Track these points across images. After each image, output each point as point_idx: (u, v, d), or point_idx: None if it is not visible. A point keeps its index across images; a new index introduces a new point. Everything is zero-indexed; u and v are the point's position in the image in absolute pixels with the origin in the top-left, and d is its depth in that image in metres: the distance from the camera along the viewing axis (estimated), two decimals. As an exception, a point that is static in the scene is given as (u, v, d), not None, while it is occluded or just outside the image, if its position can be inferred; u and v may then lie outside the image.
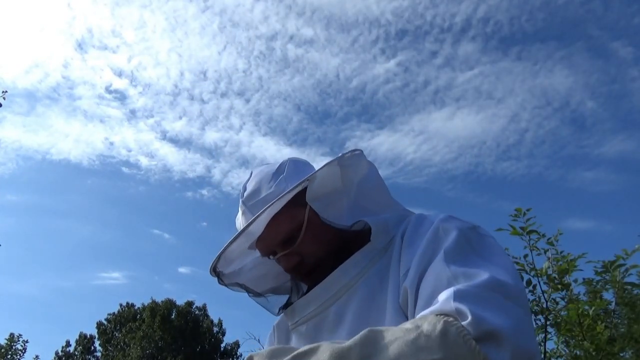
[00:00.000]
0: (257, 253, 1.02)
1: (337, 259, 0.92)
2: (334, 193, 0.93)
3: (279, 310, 1.03)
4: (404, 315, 0.78)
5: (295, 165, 0.98)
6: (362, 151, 0.96)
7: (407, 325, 0.62)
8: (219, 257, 0.95)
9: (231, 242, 0.92)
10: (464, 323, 0.59)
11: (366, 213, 0.93)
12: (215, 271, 0.99)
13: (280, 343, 1.02)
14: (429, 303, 0.69)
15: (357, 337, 0.61)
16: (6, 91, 6.36)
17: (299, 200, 0.90)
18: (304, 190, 0.89)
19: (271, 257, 0.97)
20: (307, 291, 0.96)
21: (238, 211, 0.98)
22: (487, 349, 0.58)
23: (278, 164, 0.98)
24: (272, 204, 0.87)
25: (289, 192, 0.88)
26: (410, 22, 32.77)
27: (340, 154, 0.92)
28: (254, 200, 0.94)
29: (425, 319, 0.61)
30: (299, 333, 0.94)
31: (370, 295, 0.86)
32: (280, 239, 0.93)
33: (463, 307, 0.61)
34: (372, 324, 0.80)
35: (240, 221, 0.97)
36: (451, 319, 0.60)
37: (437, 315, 0.62)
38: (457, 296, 0.63)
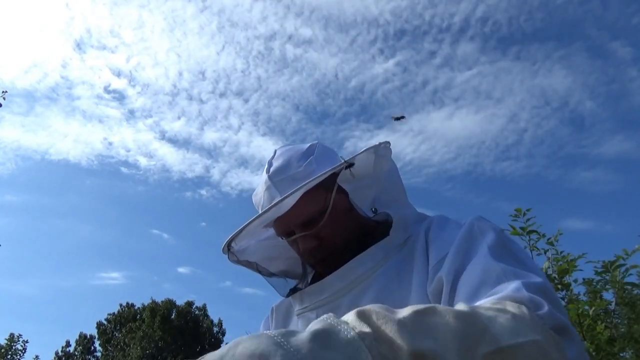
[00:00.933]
0: (268, 232, 1.01)
1: (353, 248, 0.91)
2: (365, 179, 0.94)
3: (288, 293, 1.01)
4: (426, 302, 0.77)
5: (325, 149, 0.98)
6: (389, 142, 0.97)
7: (489, 304, 0.59)
8: (240, 231, 0.93)
9: (259, 217, 0.89)
10: (540, 313, 0.59)
11: (387, 207, 0.94)
12: (229, 247, 0.98)
13: (278, 327, 1.01)
14: (477, 294, 0.67)
15: (457, 309, 0.55)
16: (6, 91, 6.35)
17: (326, 183, 0.89)
18: (332, 175, 0.89)
19: (284, 237, 0.96)
20: (317, 278, 0.96)
21: (260, 187, 0.96)
22: (564, 342, 0.58)
23: (308, 145, 0.97)
24: (308, 182, 0.86)
25: (327, 172, 0.87)
26: (409, 22, 32.91)
27: (377, 143, 0.93)
28: (282, 177, 0.92)
29: (505, 304, 0.58)
30: (307, 319, 0.92)
31: (388, 286, 0.85)
32: (302, 220, 0.91)
33: (537, 298, 0.61)
34: None
35: (261, 196, 0.94)
36: (526, 307, 0.59)
37: (513, 302, 0.59)
38: (528, 287, 0.63)
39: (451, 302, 0.72)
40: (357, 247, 0.91)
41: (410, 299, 0.81)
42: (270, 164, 0.96)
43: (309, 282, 1.02)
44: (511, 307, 0.58)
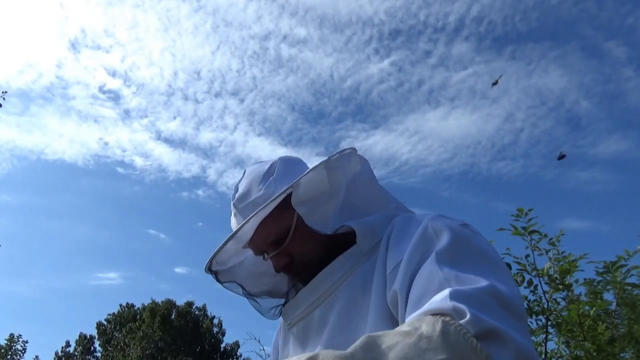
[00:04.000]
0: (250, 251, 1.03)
1: (328, 258, 0.91)
2: (320, 196, 0.92)
3: (277, 311, 1.03)
4: (390, 318, 0.76)
5: (285, 166, 0.97)
6: (353, 149, 0.95)
7: (405, 327, 0.59)
8: (211, 260, 0.97)
9: (222, 246, 0.93)
10: (462, 321, 0.57)
11: (355, 212, 0.93)
12: (210, 270, 1.00)
13: (282, 343, 1.03)
14: (419, 305, 0.66)
15: (357, 343, 0.59)
16: (6, 92, 6.36)
17: (288, 202, 0.89)
18: (288, 196, 0.90)
19: (264, 256, 0.98)
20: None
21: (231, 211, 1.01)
22: (489, 348, 0.55)
23: (269, 164, 0.98)
24: (258, 210, 0.88)
25: (273, 200, 0.88)
26: (404, 22, 32.87)
27: (327, 157, 0.92)
28: (244, 203, 0.95)
29: (423, 320, 0.59)
30: (293, 335, 0.95)
31: (352, 298, 0.85)
32: (269, 241, 0.94)
33: (461, 306, 0.59)
34: (354, 327, 0.81)
35: (233, 222, 0.99)
36: (448, 318, 0.58)
37: (433, 315, 0.59)
38: (454, 296, 0.61)
39: (404, 316, 0.70)
40: (332, 256, 0.91)
41: (369, 312, 0.80)
42: (236, 189, 0.99)
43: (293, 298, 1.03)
44: (426, 325, 0.58)
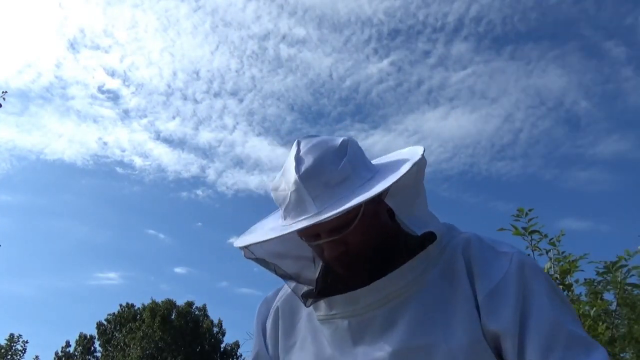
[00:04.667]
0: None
1: (379, 256, 0.90)
2: (408, 192, 0.90)
3: (308, 299, 0.95)
4: (480, 341, 0.81)
5: (357, 149, 0.91)
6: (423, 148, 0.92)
7: None
8: (268, 239, 0.86)
9: (303, 228, 0.81)
10: None
11: (414, 217, 0.91)
12: (247, 247, 0.92)
13: (286, 328, 0.99)
14: (549, 356, 0.78)
15: None
16: (6, 92, 6.36)
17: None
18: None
19: (307, 240, 0.90)
20: (336, 282, 0.93)
21: (285, 183, 0.86)
22: None
23: (337, 141, 0.89)
24: (354, 204, 0.78)
25: (375, 193, 0.80)
26: (403, 22, 32.85)
27: (421, 154, 0.88)
28: (314, 181, 0.82)
29: None
30: (335, 327, 0.89)
31: (427, 306, 0.85)
32: (331, 226, 0.84)
33: None
34: (430, 335, 0.82)
35: (286, 195, 0.85)
36: None
37: None
38: None
39: (521, 356, 0.79)
40: (383, 255, 0.90)
41: (454, 329, 0.82)
42: (299, 161, 0.85)
43: (327, 285, 0.96)
44: None
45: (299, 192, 0.83)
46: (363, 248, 0.88)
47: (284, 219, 0.86)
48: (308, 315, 0.97)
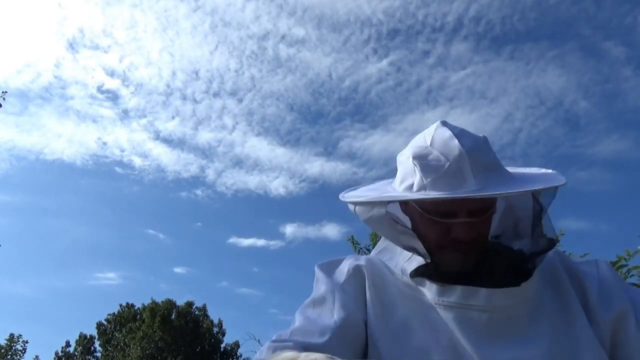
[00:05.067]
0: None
1: (485, 254, 0.95)
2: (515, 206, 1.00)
3: (434, 280, 0.92)
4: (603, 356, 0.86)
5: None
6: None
7: None
8: (434, 199, 0.86)
9: (459, 196, 0.83)
10: None
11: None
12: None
13: (373, 297, 0.96)
14: None
15: None
16: (6, 92, 6.36)
17: None
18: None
19: (439, 216, 0.89)
20: (457, 274, 0.92)
21: (445, 151, 0.86)
22: None
23: (479, 134, 0.92)
24: (525, 190, 0.87)
25: (536, 188, 0.88)
26: (402, 22, 32.79)
27: (560, 182, 0.92)
28: (477, 159, 0.85)
29: None
30: (469, 317, 0.87)
31: (559, 317, 0.90)
32: (474, 207, 0.87)
33: None
34: (568, 348, 0.86)
35: (444, 162, 0.85)
36: None
37: None
38: None
39: None
40: (485, 255, 0.95)
41: (585, 343, 0.86)
42: (459, 137, 0.87)
43: (440, 272, 0.93)
44: None
45: (461, 165, 0.84)
46: (482, 240, 0.93)
47: (431, 188, 0.86)
48: (401, 292, 0.96)
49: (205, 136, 36.50)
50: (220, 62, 36.21)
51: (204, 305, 28.82)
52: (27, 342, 21.66)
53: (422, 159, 0.88)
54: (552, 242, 0.92)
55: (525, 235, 0.96)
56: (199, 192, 38.06)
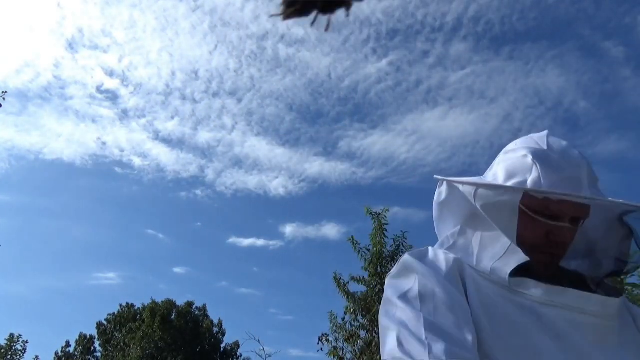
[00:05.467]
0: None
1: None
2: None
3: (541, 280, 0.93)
4: None
5: None
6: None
7: None
8: (551, 193, 0.90)
9: (573, 195, 0.89)
10: None
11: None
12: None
13: (479, 292, 0.93)
14: None
15: None
16: (6, 92, 6.36)
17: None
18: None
19: (549, 217, 0.92)
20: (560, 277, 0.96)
21: (567, 159, 0.94)
22: None
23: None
24: (628, 203, 0.91)
25: (633, 205, 0.92)
26: (401, 22, 32.81)
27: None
28: (589, 170, 0.94)
29: None
30: (579, 322, 0.88)
31: (630, 335, 0.94)
32: (580, 214, 0.93)
33: None
34: None
35: (566, 166, 0.92)
36: None
37: None
38: None
39: None
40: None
41: None
42: (571, 148, 0.97)
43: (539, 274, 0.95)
44: None
45: (579, 173, 0.92)
46: (567, 250, 0.97)
47: (549, 188, 0.90)
48: (494, 292, 0.93)
49: (204, 136, 36.57)
50: (220, 62, 36.24)
51: (204, 305, 28.87)
52: (27, 342, 21.67)
53: (542, 160, 0.93)
54: (626, 266, 0.97)
55: (599, 254, 1.01)
56: (198, 192, 38.16)
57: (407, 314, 0.87)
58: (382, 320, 0.91)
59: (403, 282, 0.95)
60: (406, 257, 0.99)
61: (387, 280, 0.98)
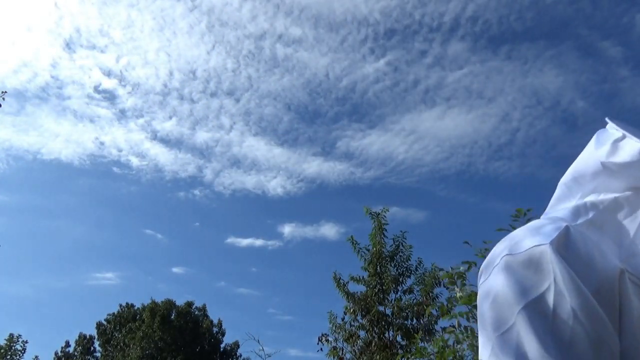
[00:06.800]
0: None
1: None
2: None
3: None
4: None
5: None
6: None
7: None
8: None
9: None
10: None
11: None
12: None
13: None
14: None
15: None
16: (5, 92, 6.36)
17: None
18: None
19: None
20: None
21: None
22: None
23: None
24: None
25: None
26: (399, 22, 32.68)
27: None
28: None
29: None
30: None
31: None
32: None
33: None
34: None
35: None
36: None
37: None
38: None
39: None
40: None
41: None
42: None
43: None
44: None
45: None
46: None
47: None
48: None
49: (202, 136, 36.49)
50: (218, 61, 36.16)
51: (204, 305, 28.87)
52: (26, 342, 21.66)
53: None
54: None
55: None
56: (196, 192, 38.09)
57: (529, 340, 0.61)
58: (487, 324, 0.66)
59: (532, 279, 0.66)
60: (543, 248, 0.65)
61: (505, 258, 0.68)
